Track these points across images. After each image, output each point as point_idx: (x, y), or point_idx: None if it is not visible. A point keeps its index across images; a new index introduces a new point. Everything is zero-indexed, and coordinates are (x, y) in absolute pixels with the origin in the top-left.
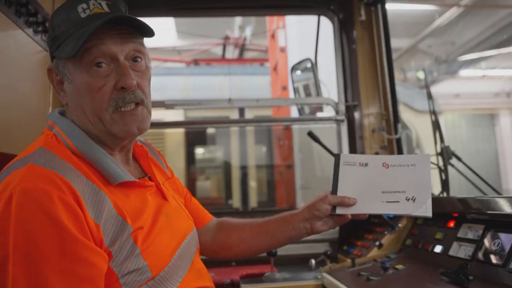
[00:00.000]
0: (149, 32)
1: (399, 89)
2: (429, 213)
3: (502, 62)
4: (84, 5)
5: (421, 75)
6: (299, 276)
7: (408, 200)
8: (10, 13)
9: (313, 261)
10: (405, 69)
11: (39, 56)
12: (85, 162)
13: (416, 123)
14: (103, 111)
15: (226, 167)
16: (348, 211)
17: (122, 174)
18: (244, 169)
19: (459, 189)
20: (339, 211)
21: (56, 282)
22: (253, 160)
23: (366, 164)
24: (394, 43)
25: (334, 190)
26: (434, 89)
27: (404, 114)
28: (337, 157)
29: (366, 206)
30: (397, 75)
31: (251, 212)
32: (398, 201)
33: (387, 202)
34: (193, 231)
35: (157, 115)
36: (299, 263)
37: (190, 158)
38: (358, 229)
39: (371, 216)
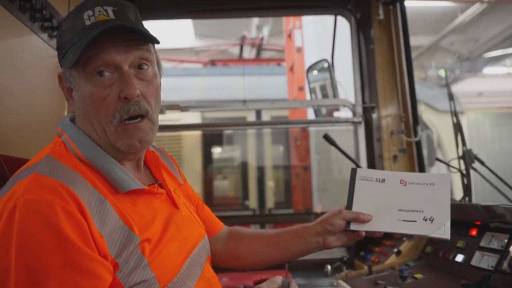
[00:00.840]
0: (153, 40)
1: (419, 88)
2: (447, 235)
3: None
4: (90, 12)
5: (442, 73)
6: (314, 283)
7: (425, 220)
8: (25, 18)
9: (329, 267)
10: (426, 67)
11: (54, 60)
12: (92, 170)
13: (437, 123)
14: (108, 122)
15: (243, 167)
16: (363, 228)
17: (130, 182)
18: (260, 169)
19: (483, 193)
20: (353, 227)
21: None
22: (270, 160)
23: (383, 180)
24: (414, 40)
25: (349, 205)
26: (456, 88)
27: (425, 114)
28: (353, 171)
29: (382, 224)
30: (418, 74)
31: (267, 215)
32: (415, 221)
33: (403, 221)
34: (204, 239)
35: (174, 116)
36: (315, 268)
37: (207, 158)
38: None
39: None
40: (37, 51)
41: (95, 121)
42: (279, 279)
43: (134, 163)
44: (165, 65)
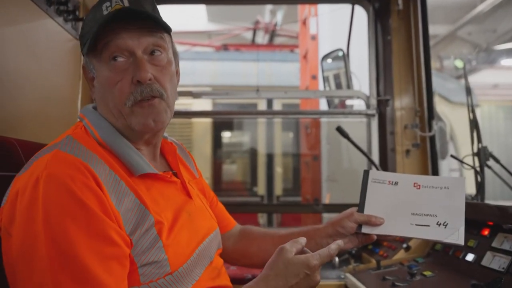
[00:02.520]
0: (165, 27)
1: (434, 79)
2: (461, 241)
3: None
4: (108, 3)
5: (459, 63)
6: (322, 275)
7: (439, 225)
8: (41, 2)
9: (336, 259)
10: (442, 57)
11: (70, 44)
12: (110, 153)
13: (450, 116)
14: (122, 105)
15: (252, 153)
16: (375, 231)
17: (144, 166)
18: (270, 156)
19: (493, 190)
20: (365, 230)
21: (87, 259)
22: (280, 148)
23: (396, 183)
24: (431, 29)
25: (361, 208)
26: (471, 79)
27: (439, 106)
28: (365, 173)
29: (394, 228)
30: (433, 64)
31: (275, 205)
32: (428, 225)
33: (416, 225)
34: (216, 232)
35: (186, 101)
36: None
37: (217, 144)
38: None
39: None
40: (53, 35)
41: (112, 104)
42: (303, 240)
43: (150, 151)
44: (177, 48)
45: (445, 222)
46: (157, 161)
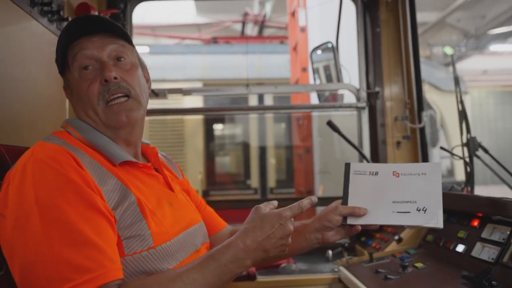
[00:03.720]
0: (123, 34)
1: (423, 67)
2: (440, 224)
3: None
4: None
5: (448, 50)
6: (315, 268)
7: (419, 210)
8: (24, 3)
9: (330, 253)
10: (432, 44)
11: (55, 45)
12: (91, 149)
13: (441, 104)
14: (96, 104)
15: (245, 147)
16: (359, 222)
17: (124, 155)
18: (262, 149)
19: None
20: (350, 221)
21: (79, 224)
22: (272, 140)
23: (376, 173)
24: (420, 17)
25: (345, 201)
26: (461, 65)
27: (429, 94)
28: (347, 166)
29: (377, 217)
30: (423, 51)
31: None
32: (409, 212)
33: (398, 212)
34: (200, 224)
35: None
36: (316, 253)
37: (209, 138)
38: None
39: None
40: (37, 37)
41: (87, 107)
42: (275, 202)
43: (131, 151)
44: (166, 42)
45: (424, 207)
46: (139, 160)
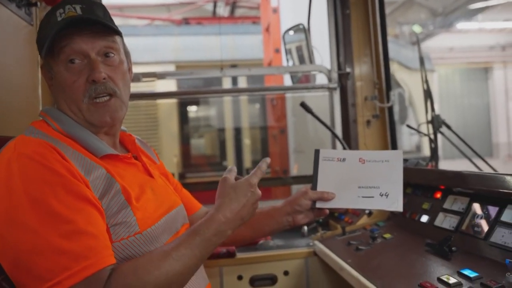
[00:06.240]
0: (115, 31)
1: (392, 46)
2: (400, 208)
3: (499, 15)
4: (61, 10)
5: (416, 28)
6: (292, 244)
7: (382, 195)
8: None
9: (305, 228)
10: (401, 23)
11: (25, 31)
12: (72, 141)
13: (409, 82)
14: (80, 101)
15: (220, 129)
16: (327, 205)
17: (104, 148)
18: (237, 130)
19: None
20: (318, 205)
21: (71, 215)
22: (247, 121)
23: (344, 160)
24: None
25: (314, 186)
26: (429, 43)
27: (398, 73)
28: (316, 152)
29: (344, 201)
30: (392, 30)
31: None
32: (372, 196)
33: (362, 197)
34: (180, 207)
35: (149, 79)
36: (292, 229)
37: (183, 120)
38: None
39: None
40: (5, 23)
41: (70, 101)
42: (234, 167)
43: (110, 140)
44: (136, 23)
45: (386, 192)
46: (118, 149)
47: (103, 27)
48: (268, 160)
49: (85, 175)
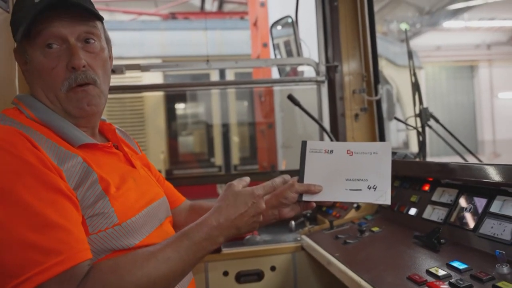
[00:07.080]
0: (96, 15)
1: (380, 43)
2: (388, 201)
3: (485, 13)
4: None
5: (404, 26)
6: (279, 238)
7: (369, 188)
8: None
9: (293, 223)
10: (389, 20)
11: (1, 18)
12: (46, 129)
13: (397, 78)
14: (58, 90)
15: (208, 124)
16: (314, 198)
17: (82, 137)
18: (225, 126)
19: (438, 148)
20: (305, 198)
21: (40, 207)
22: (235, 117)
23: (331, 151)
24: None
25: (301, 178)
26: (416, 41)
27: (386, 69)
28: (303, 144)
29: (331, 194)
30: (380, 28)
31: (233, 175)
32: (360, 189)
33: (350, 190)
34: (163, 199)
35: (135, 74)
36: (280, 224)
37: (170, 116)
38: None
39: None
40: None
41: (47, 89)
42: (247, 178)
43: (88, 130)
44: (123, 17)
45: (374, 185)
46: (97, 138)
47: (84, 11)
48: (287, 177)
49: (58, 165)
